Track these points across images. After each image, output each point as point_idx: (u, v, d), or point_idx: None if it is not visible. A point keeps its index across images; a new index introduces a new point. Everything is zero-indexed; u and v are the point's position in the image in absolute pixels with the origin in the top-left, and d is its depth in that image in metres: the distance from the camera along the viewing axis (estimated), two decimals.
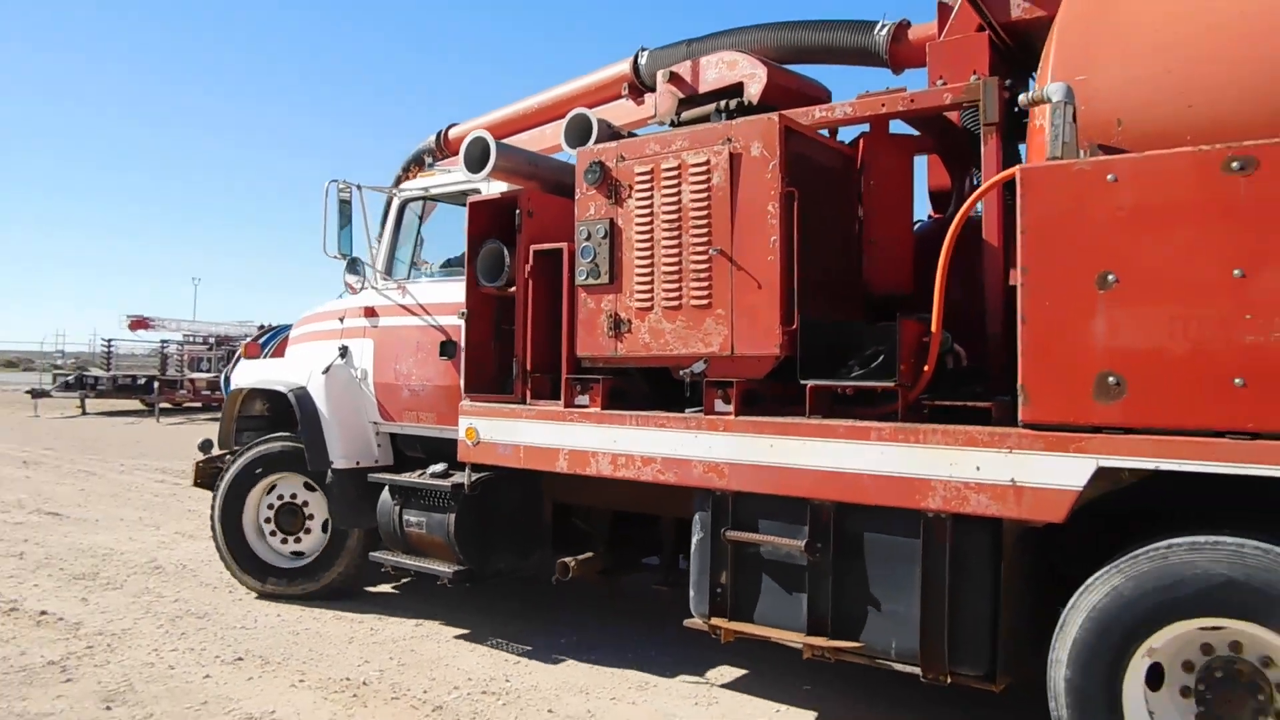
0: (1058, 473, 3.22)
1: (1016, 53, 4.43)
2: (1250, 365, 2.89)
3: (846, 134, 4.87)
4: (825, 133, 4.74)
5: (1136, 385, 3.07)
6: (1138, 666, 3.12)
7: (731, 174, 4.11)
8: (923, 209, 5.42)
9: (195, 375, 25.88)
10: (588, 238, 4.56)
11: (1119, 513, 3.38)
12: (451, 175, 5.97)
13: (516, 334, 5.00)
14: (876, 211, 4.63)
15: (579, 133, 5.06)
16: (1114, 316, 3.12)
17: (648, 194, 4.37)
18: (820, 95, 5.18)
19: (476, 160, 4.92)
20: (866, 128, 4.72)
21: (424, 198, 6.21)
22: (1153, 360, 3.05)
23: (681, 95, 5.24)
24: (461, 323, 5.23)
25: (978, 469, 3.39)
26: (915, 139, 4.86)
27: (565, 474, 4.72)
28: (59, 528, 8.65)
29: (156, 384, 24.52)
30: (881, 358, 3.71)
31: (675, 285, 4.27)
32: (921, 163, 5.24)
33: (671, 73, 5.30)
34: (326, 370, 6.06)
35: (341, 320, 6.29)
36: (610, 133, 5.07)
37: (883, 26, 5.01)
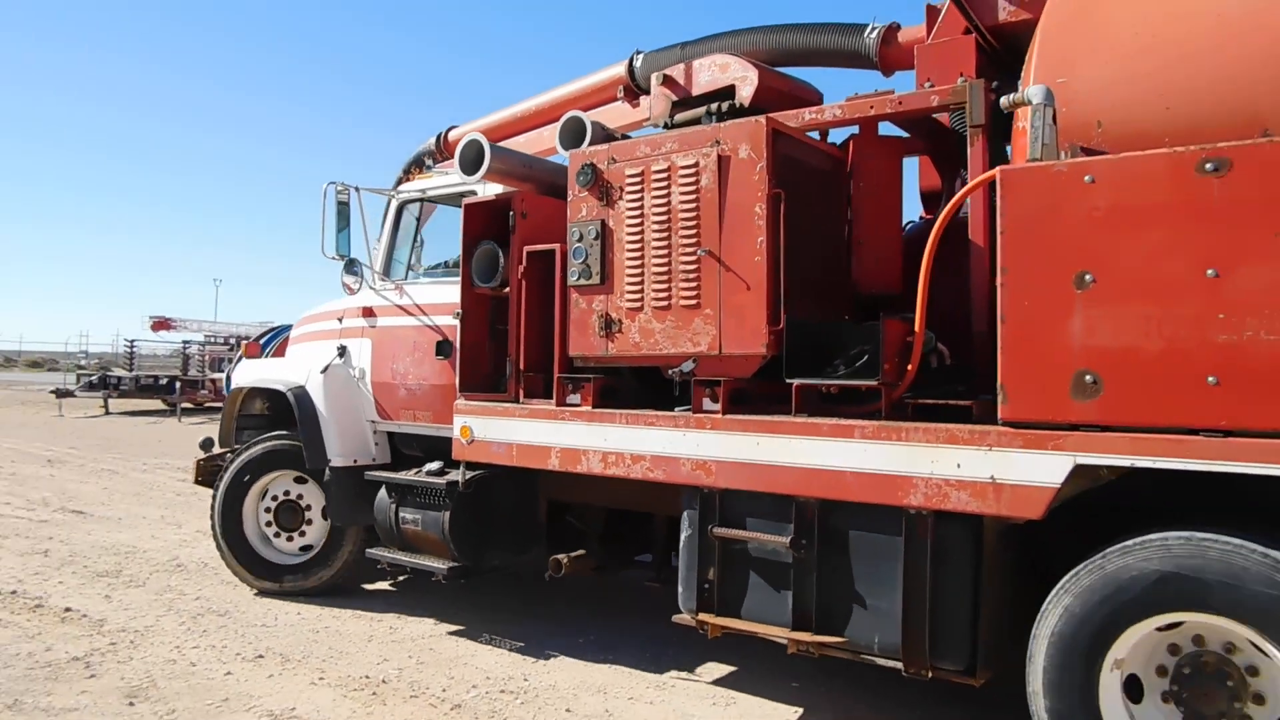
0: (1036, 470, 3.26)
1: (1003, 55, 4.47)
2: (1223, 364, 2.93)
3: (838, 136, 4.92)
4: (816, 135, 4.79)
5: (1113, 384, 3.12)
6: (1110, 682, 3.17)
7: (720, 176, 4.17)
8: (914, 210, 5.48)
9: (216, 375, 25.97)
10: (579, 239, 4.62)
11: (1121, 510, 3.42)
12: (448, 177, 6.04)
13: (510, 334, 5.06)
14: (865, 212, 4.67)
15: (573, 135, 5.12)
16: (1091, 316, 3.16)
17: (638, 196, 4.43)
18: (812, 97, 5.23)
19: (471, 162, 4.99)
20: (856, 130, 4.78)
21: (422, 199, 6.29)
22: (1129, 359, 3.09)
23: (675, 98, 5.30)
24: (457, 323, 5.30)
25: (958, 466, 3.43)
26: (904, 141, 4.91)
27: (557, 472, 4.78)
28: (83, 525, 8.75)
29: (178, 384, 24.67)
30: (866, 357, 3.76)
31: (665, 286, 4.32)
32: (913, 164, 5.29)
33: (665, 75, 5.35)
34: (325, 370, 6.14)
35: (340, 320, 6.37)
36: (604, 135, 5.13)
37: (872, 29, 5.05)
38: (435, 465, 5.56)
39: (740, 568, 4.09)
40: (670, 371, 4.43)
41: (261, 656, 5.09)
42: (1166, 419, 3.03)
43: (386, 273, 6.22)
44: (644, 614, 5.91)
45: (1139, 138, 3.33)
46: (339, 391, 6.13)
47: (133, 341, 31.29)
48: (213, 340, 30.22)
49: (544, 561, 5.20)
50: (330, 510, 6.10)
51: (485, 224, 5.24)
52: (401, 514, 5.57)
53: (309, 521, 6.43)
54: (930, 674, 3.58)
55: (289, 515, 6.46)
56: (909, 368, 3.77)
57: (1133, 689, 3.20)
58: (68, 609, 5.86)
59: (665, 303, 4.32)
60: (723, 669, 5.02)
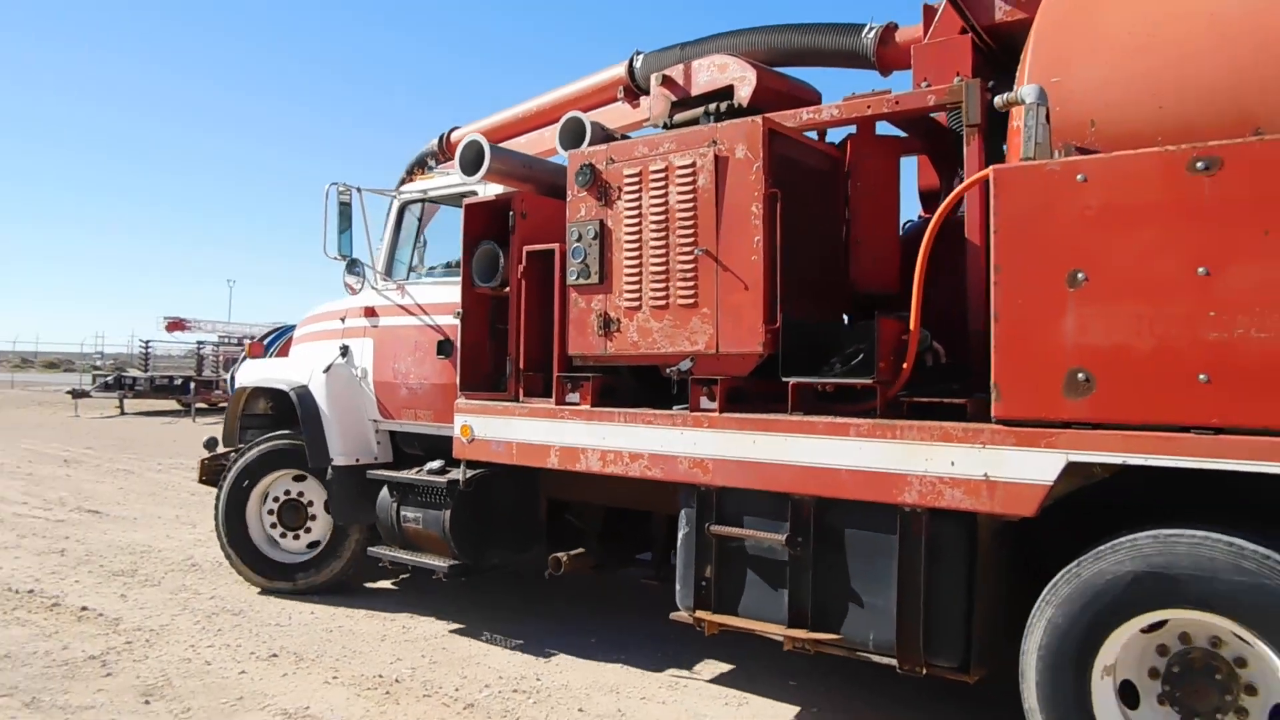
0: (1029, 467, 3.28)
1: (1000, 55, 4.48)
2: (1214, 362, 2.94)
3: (837, 136, 4.94)
4: (814, 134, 4.81)
5: (1105, 381, 3.13)
6: (1103, 690, 3.18)
7: (716, 176, 4.19)
8: (913, 209, 5.50)
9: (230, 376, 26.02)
10: (578, 239, 4.65)
11: (1115, 508, 3.42)
12: (449, 178, 6.07)
13: (510, 333, 5.10)
14: (863, 212, 4.69)
15: (573, 135, 5.15)
16: (1083, 314, 3.17)
17: (636, 195, 4.46)
18: (810, 97, 5.25)
19: (471, 163, 5.02)
20: (854, 129, 4.79)
21: (423, 200, 6.32)
22: (1120, 357, 3.10)
23: (674, 98, 5.33)
24: (458, 322, 5.33)
25: (952, 464, 3.45)
26: (902, 140, 4.93)
27: (557, 470, 4.81)
28: (99, 525, 8.80)
29: (192, 384, 24.81)
30: (861, 356, 3.78)
31: (662, 285, 4.35)
32: (912, 164, 5.31)
33: (665, 76, 5.39)
34: (327, 369, 6.18)
35: (343, 320, 6.41)
36: (604, 135, 5.16)
37: (870, 29, 5.07)
38: (436, 464, 5.59)
39: (737, 565, 4.11)
40: (668, 370, 4.45)
41: (275, 655, 5.11)
42: (1158, 417, 3.04)
43: (388, 273, 6.26)
44: (642, 612, 5.93)
45: (1132, 137, 3.35)
46: (341, 391, 6.17)
47: (148, 342, 31.60)
48: (226, 341, 30.42)
49: (544, 560, 5.23)
50: (333, 509, 6.14)
51: (486, 224, 5.27)
52: (402, 512, 5.60)
53: (312, 517, 6.47)
54: (924, 671, 3.59)
55: (292, 514, 6.50)
56: (904, 366, 3.78)
57: (1129, 695, 3.21)
58: (84, 608, 5.91)
59: (663, 302, 4.35)
60: (724, 666, 5.04)
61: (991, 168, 3.46)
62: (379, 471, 5.88)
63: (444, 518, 5.36)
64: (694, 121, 5.02)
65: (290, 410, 6.28)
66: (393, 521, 5.66)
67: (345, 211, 6.03)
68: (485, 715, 4.34)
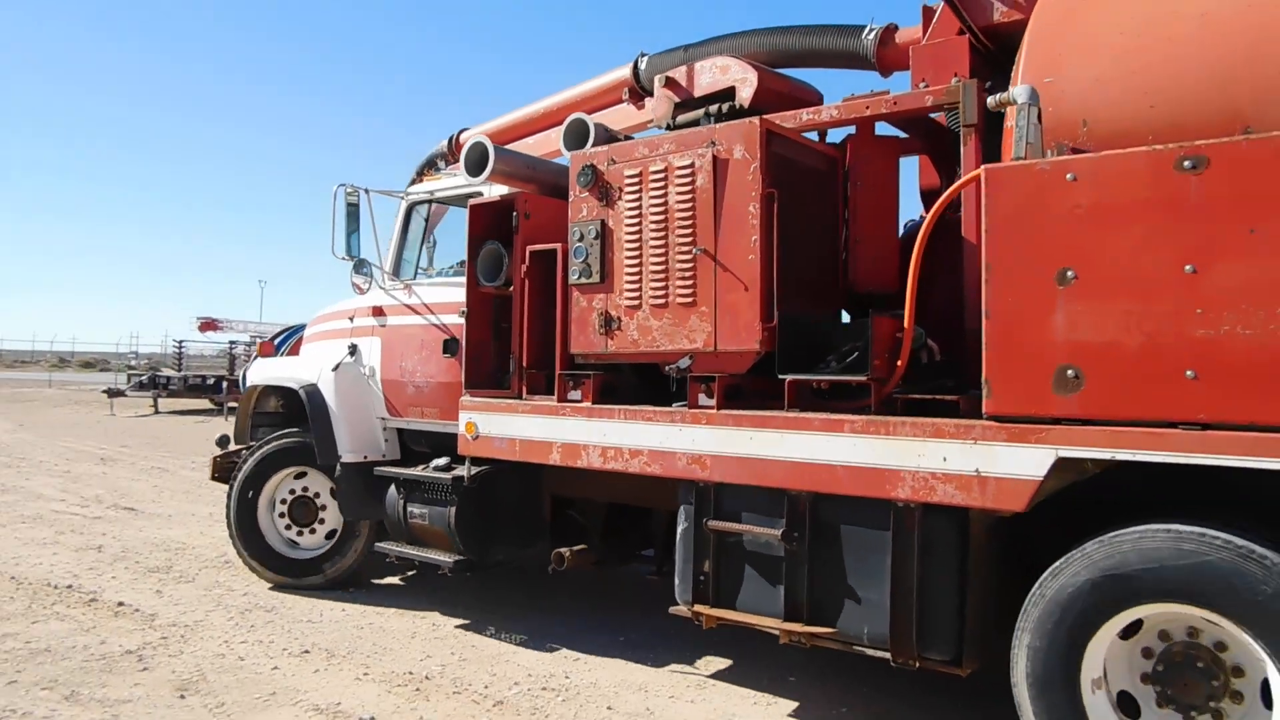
0: (1019, 463, 3.32)
1: (997, 55, 4.51)
2: (1201, 358, 2.97)
3: (838, 137, 4.99)
4: (815, 135, 4.86)
5: (1094, 378, 3.17)
6: (1098, 704, 3.21)
7: (715, 176, 4.25)
8: (915, 209, 5.53)
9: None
10: (580, 238, 4.72)
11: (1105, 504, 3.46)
12: (455, 179, 6.16)
13: (513, 331, 5.17)
14: (862, 211, 4.74)
15: (576, 137, 5.22)
16: (1072, 311, 3.21)
17: (636, 196, 4.52)
18: (811, 98, 5.29)
19: (475, 164, 5.10)
20: (854, 130, 4.84)
21: (429, 200, 6.41)
22: (1109, 354, 3.14)
23: (677, 100, 5.38)
24: (463, 321, 5.41)
25: (944, 460, 3.49)
26: (901, 140, 4.96)
27: (559, 467, 4.88)
28: (134, 522, 8.94)
29: (225, 383, 25.02)
30: (856, 354, 3.83)
31: (662, 284, 4.41)
32: (913, 164, 5.34)
33: (668, 78, 5.44)
34: (336, 368, 6.27)
35: (351, 319, 6.51)
36: (607, 136, 5.22)
37: (870, 31, 5.11)
38: (442, 461, 5.67)
39: (734, 560, 4.16)
40: (668, 368, 4.51)
41: (307, 652, 5.17)
42: (1146, 412, 3.08)
43: (396, 273, 6.35)
44: (643, 608, 5.96)
45: (1124, 136, 3.38)
46: (350, 389, 6.26)
47: (181, 342, 32.09)
48: (258, 340, 30.80)
49: (549, 556, 5.29)
50: (341, 505, 6.23)
51: (490, 224, 5.35)
52: (409, 509, 5.69)
53: (323, 507, 6.57)
54: (917, 664, 3.64)
55: (303, 510, 6.60)
56: (898, 364, 3.83)
57: (1130, 707, 3.23)
58: (120, 603, 6.00)
59: (662, 300, 4.41)
60: (757, 665, 4.97)
61: (983, 167, 3.49)
62: (385, 468, 5.97)
63: (449, 514, 5.44)
64: (696, 123, 5.08)
65: (301, 408, 6.38)
66: (400, 517, 5.74)
67: (353, 212, 6.13)
68: (514, 712, 4.36)
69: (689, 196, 4.32)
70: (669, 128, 5.27)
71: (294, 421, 6.74)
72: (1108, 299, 3.15)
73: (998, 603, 3.65)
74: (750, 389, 4.30)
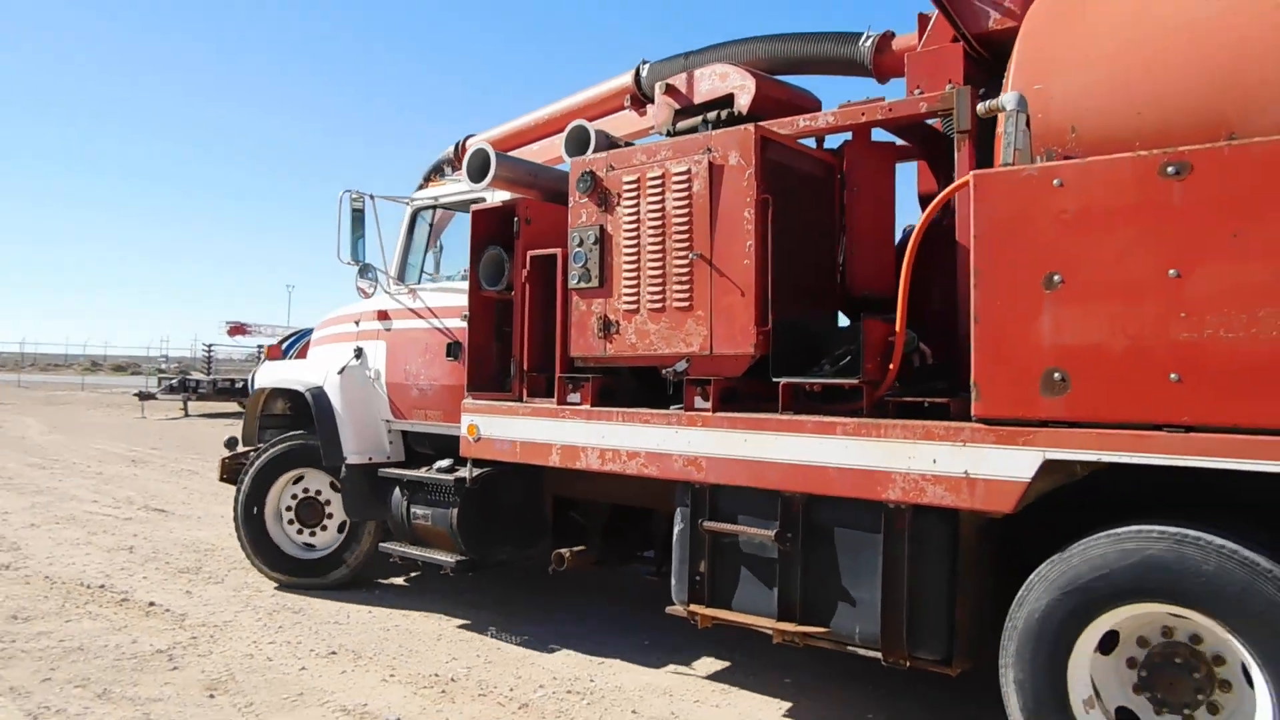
0: (1007, 465, 3.36)
1: (992, 62, 4.56)
2: (1185, 361, 3.01)
3: (836, 143, 5.04)
4: (812, 141, 4.92)
5: (1080, 381, 3.21)
6: None
7: (711, 182, 4.31)
8: (914, 214, 5.57)
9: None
10: (579, 243, 4.79)
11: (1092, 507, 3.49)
12: (459, 185, 6.24)
13: (514, 335, 5.25)
14: (858, 217, 4.79)
15: (578, 143, 5.30)
16: (1059, 315, 3.26)
17: (634, 202, 4.59)
18: (810, 105, 5.35)
19: (478, 170, 5.18)
20: (850, 136, 4.89)
21: (434, 206, 6.50)
22: (1095, 357, 3.19)
23: (677, 106, 5.45)
24: (466, 325, 5.49)
25: (934, 462, 3.54)
26: (897, 147, 5.01)
27: (559, 468, 4.94)
28: (165, 524, 9.06)
29: None
30: (849, 357, 3.88)
31: (659, 288, 4.47)
32: (910, 169, 5.39)
33: (668, 85, 5.50)
34: (342, 370, 6.36)
35: (357, 323, 6.60)
36: (608, 143, 5.29)
37: (867, 38, 5.16)
38: (445, 462, 5.74)
39: (729, 560, 4.22)
40: (665, 371, 4.57)
41: (334, 653, 5.23)
42: (1131, 415, 3.12)
43: (401, 277, 6.44)
44: (643, 608, 6.00)
45: (1111, 142, 3.42)
46: (355, 392, 6.35)
47: (210, 346, 32.45)
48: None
49: (543, 557, 5.36)
50: (346, 507, 6.31)
51: (492, 229, 5.43)
52: (412, 509, 5.77)
53: (328, 502, 6.66)
54: (908, 663, 3.68)
55: (309, 511, 6.69)
56: (890, 367, 3.88)
57: None
58: (151, 603, 6.09)
59: (660, 305, 4.48)
60: (787, 674, 4.97)
61: (972, 173, 3.54)
62: (389, 470, 6.05)
63: (451, 515, 5.51)
64: (695, 129, 5.15)
65: (307, 411, 6.47)
66: (403, 518, 5.82)
67: (358, 217, 6.22)
68: (539, 715, 4.38)
69: (686, 202, 4.39)
70: (669, 134, 5.34)
71: (301, 423, 6.83)
72: (1093, 303, 3.19)
73: (989, 603, 3.69)
74: (745, 392, 4.36)
